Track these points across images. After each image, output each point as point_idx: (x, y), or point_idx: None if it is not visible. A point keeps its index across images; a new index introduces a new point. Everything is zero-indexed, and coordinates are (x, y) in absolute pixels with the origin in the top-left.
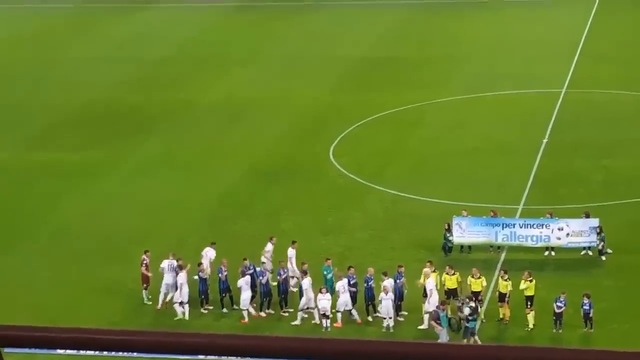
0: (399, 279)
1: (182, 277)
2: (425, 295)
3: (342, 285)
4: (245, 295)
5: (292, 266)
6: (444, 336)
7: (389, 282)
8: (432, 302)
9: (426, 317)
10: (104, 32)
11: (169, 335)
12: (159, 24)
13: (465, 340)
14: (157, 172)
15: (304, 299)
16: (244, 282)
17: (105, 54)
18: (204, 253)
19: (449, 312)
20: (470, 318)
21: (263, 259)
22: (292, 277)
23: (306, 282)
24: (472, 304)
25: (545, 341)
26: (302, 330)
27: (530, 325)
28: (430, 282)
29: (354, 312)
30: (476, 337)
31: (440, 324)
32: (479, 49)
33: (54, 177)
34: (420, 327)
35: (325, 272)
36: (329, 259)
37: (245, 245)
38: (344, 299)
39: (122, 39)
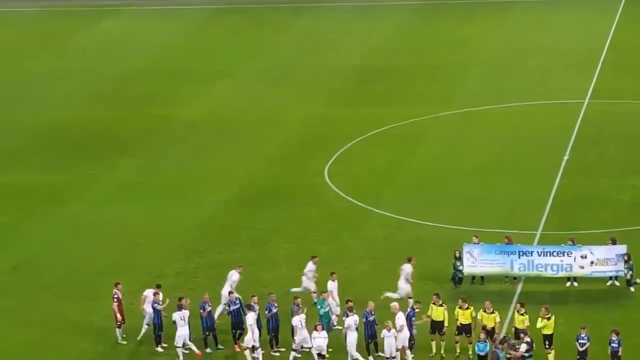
0: (413, 316)
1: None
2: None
3: (299, 320)
4: (182, 332)
5: (334, 300)
6: None
7: (352, 319)
8: (401, 339)
9: (398, 355)
10: (70, 42)
11: None
12: (130, 31)
13: None
14: (131, 196)
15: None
16: (178, 317)
17: (72, 67)
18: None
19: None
20: (526, 355)
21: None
22: (333, 313)
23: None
24: (528, 339)
25: None
26: None
27: None
28: (400, 317)
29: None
30: None
31: None
32: (488, 56)
33: (16, 203)
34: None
35: (319, 307)
36: (325, 292)
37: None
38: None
39: (90, 49)
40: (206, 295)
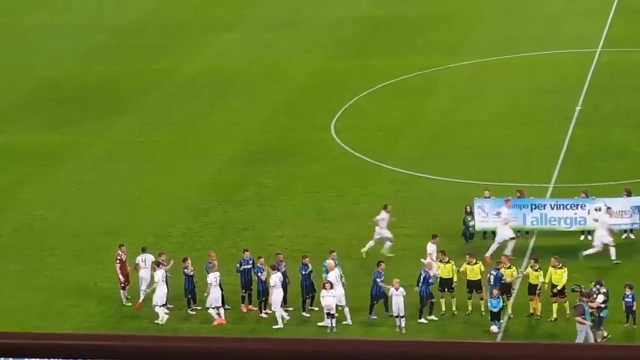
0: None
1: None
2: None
3: (214, 277)
4: (216, 293)
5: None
6: (588, 334)
7: (277, 277)
8: (337, 295)
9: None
10: None
11: (159, 339)
12: None
13: (601, 334)
14: (132, 155)
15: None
16: (213, 279)
17: (68, 20)
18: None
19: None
20: (603, 306)
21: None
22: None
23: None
24: (604, 289)
25: None
26: (302, 332)
27: (555, 315)
28: (333, 274)
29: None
30: (603, 331)
31: (585, 319)
32: (499, 4)
33: (14, 163)
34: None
35: (324, 268)
36: (333, 251)
37: (236, 236)
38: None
39: (87, 1)
40: (212, 253)
